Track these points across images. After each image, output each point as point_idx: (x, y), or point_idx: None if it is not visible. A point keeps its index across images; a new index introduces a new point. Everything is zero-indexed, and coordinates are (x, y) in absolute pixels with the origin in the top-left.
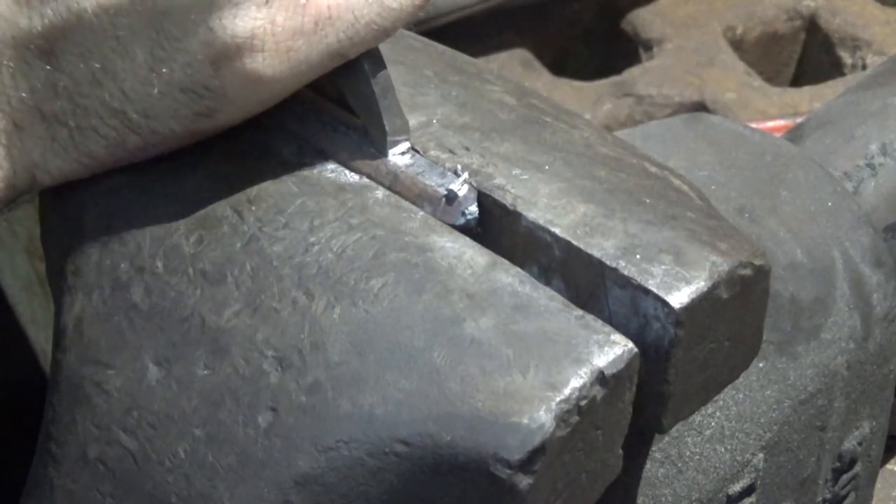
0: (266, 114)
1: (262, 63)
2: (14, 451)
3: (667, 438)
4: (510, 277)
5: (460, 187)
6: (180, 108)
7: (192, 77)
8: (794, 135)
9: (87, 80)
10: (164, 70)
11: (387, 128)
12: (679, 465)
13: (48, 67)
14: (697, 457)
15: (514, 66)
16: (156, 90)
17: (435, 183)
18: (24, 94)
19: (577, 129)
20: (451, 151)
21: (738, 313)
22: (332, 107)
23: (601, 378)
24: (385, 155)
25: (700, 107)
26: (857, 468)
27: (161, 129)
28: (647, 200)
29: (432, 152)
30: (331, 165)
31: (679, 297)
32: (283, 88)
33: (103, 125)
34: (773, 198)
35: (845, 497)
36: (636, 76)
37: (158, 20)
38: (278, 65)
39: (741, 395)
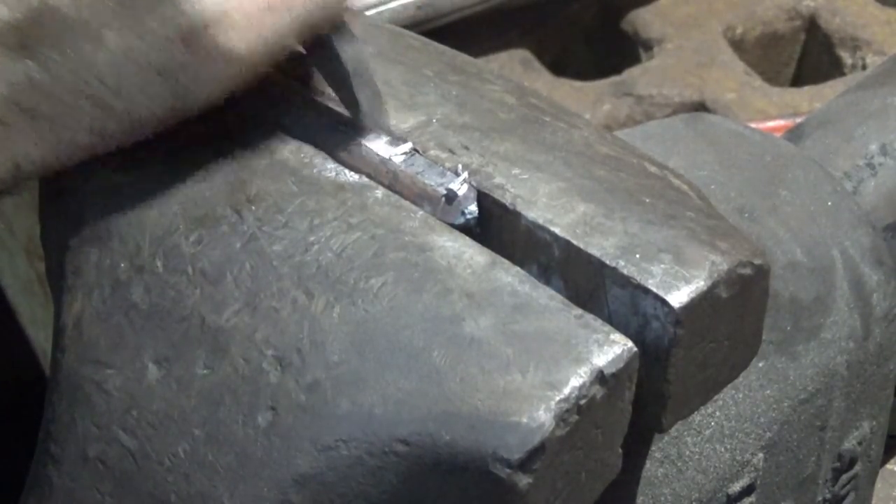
0: (265, 113)
1: (234, 38)
2: (14, 451)
3: (667, 438)
4: (510, 277)
5: (460, 186)
6: (157, 90)
7: (164, 57)
8: (794, 135)
9: (63, 71)
10: (136, 53)
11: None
12: (679, 464)
13: (26, 61)
14: (697, 456)
15: (514, 66)
16: (131, 74)
17: (434, 182)
18: (2, 90)
19: (577, 129)
20: (450, 151)
21: (738, 313)
22: (331, 106)
23: (601, 377)
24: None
25: (700, 107)
26: (857, 468)
27: (140, 113)
28: (647, 200)
29: (432, 152)
30: (330, 165)
31: (679, 297)
32: (256, 63)
33: (83, 115)
34: (773, 198)
35: (845, 497)
36: (636, 76)
37: (127, 2)
38: (250, 39)
39: (741, 395)
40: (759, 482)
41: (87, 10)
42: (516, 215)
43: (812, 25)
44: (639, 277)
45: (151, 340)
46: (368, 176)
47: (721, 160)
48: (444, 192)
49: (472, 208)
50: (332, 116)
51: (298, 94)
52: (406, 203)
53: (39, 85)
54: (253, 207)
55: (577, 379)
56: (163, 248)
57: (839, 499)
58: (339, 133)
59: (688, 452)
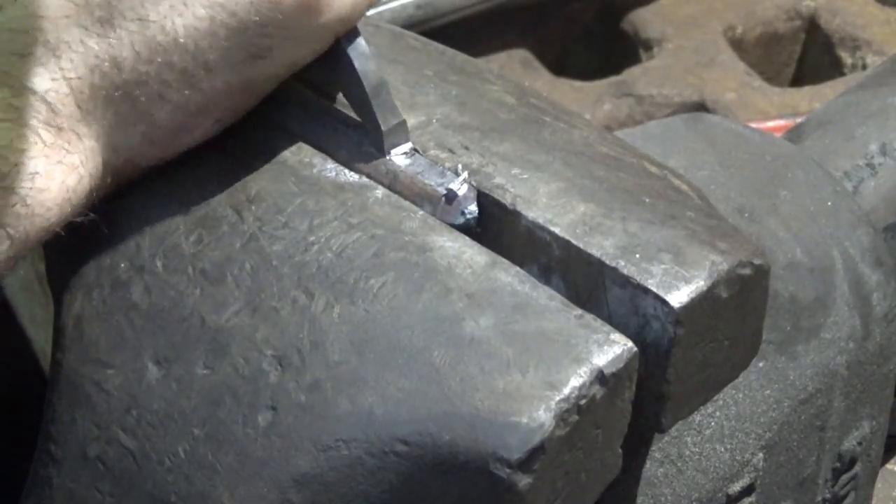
0: (266, 114)
1: None
2: (14, 451)
3: (667, 438)
4: (510, 277)
5: (460, 186)
6: (238, 52)
7: (255, 15)
8: (794, 135)
9: (149, 45)
10: (226, 17)
11: (382, 127)
12: (679, 464)
13: (109, 39)
14: (697, 456)
15: (514, 66)
16: (221, 39)
17: (434, 182)
18: (83, 74)
19: (577, 129)
20: (450, 151)
21: (738, 313)
22: (331, 107)
23: (601, 377)
24: (384, 154)
25: (700, 107)
26: (857, 468)
27: (220, 82)
28: (647, 200)
29: (432, 152)
30: (330, 165)
31: (678, 297)
32: (338, 20)
33: (167, 88)
34: (773, 198)
35: (845, 497)
36: (636, 76)
37: None
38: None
39: (741, 395)
40: (759, 482)
41: None
42: (516, 215)
43: (812, 25)
44: (639, 277)
45: (151, 340)
46: (368, 176)
47: (721, 160)
48: (444, 192)
49: (472, 208)
50: (332, 117)
51: (298, 94)
52: (406, 203)
53: (124, 62)
54: (253, 207)
55: (577, 379)
56: (163, 248)
57: (839, 499)
58: (339, 133)
59: (688, 452)
